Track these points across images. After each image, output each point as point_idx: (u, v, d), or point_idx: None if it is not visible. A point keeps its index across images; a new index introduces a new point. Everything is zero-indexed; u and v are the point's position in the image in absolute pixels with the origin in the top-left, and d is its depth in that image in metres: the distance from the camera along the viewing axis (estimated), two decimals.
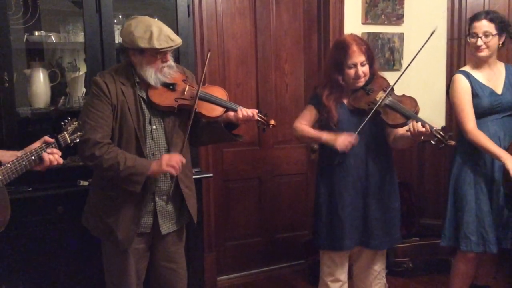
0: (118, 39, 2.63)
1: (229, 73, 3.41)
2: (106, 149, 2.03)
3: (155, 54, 2.07)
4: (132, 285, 2.23)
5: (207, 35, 3.22)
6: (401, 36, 3.68)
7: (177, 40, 2.09)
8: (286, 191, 3.68)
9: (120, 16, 2.74)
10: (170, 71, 2.15)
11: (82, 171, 2.48)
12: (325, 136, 2.42)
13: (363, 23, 3.57)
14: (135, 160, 2.06)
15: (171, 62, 2.15)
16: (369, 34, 3.56)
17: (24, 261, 2.37)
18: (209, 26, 3.24)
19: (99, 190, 2.20)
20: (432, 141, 2.28)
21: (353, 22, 3.53)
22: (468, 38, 2.61)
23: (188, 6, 2.69)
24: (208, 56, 2.23)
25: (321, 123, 2.52)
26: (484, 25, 2.53)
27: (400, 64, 3.69)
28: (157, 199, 2.19)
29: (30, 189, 2.35)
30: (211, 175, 3.03)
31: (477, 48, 2.57)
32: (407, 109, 2.36)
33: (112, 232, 2.14)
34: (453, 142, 2.28)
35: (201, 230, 2.84)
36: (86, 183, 2.48)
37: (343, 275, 2.59)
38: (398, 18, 3.66)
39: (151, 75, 2.10)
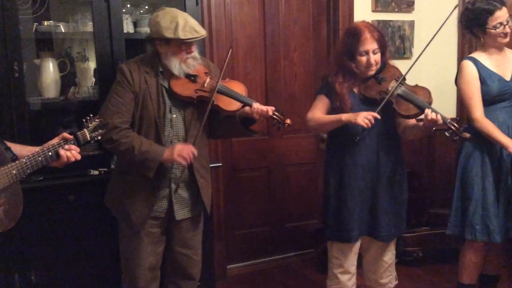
0: (126, 29, 2.63)
1: (238, 62, 3.40)
2: (123, 134, 2.12)
3: (180, 45, 2.14)
4: (145, 267, 2.29)
5: (216, 24, 3.20)
6: (411, 24, 3.64)
7: (202, 32, 2.15)
8: (295, 181, 3.68)
9: (128, 6, 2.73)
10: (194, 62, 2.21)
11: (92, 161, 2.49)
12: (345, 116, 2.35)
13: (373, 11, 3.53)
14: (150, 145, 2.13)
15: (195, 53, 2.21)
16: (379, 22, 3.52)
17: (36, 250, 2.40)
18: (217, 14, 3.22)
19: (118, 173, 2.30)
20: (446, 133, 2.26)
21: (363, 10, 3.49)
22: (487, 30, 2.54)
23: None
24: (229, 54, 2.29)
25: (333, 112, 2.49)
26: (506, 12, 2.52)
27: (411, 52, 3.65)
28: (172, 185, 2.25)
29: (42, 178, 2.37)
30: (220, 164, 3.04)
31: (505, 35, 2.54)
32: (420, 99, 2.32)
33: (127, 214, 2.23)
34: (468, 135, 2.27)
35: (211, 219, 2.85)
36: (96, 172, 2.51)
37: (352, 267, 2.57)
38: (409, 6, 3.62)
39: (176, 65, 2.17)
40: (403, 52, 3.63)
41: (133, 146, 2.10)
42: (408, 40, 3.64)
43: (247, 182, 3.54)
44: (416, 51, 3.63)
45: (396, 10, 3.58)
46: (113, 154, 2.48)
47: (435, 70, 3.62)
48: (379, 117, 2.29)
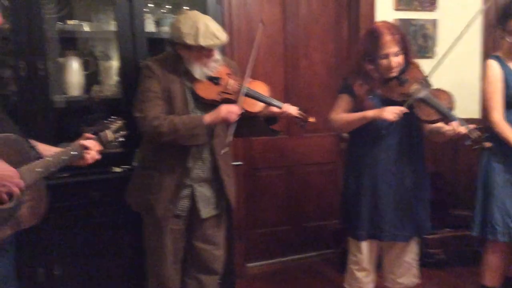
0: (149, 28, 2.66)
1: (257, 61, 3.38)
2: (162, 118, 2.15)
3: (201, 50, 2.14)
4: (168, 261, 2.33)
5: (236, 23, 3.21)
6: (434, 23, 3.59)
7: (222, 38, 2.15)
8: (315, 180, 3.67)
9: (150, 5, 2.75)
10: (215, 65, 2.22)
11: (115, 158, 2.52)
12: (370, 112, 2.34)
13: (395, 9, 3.49)
14: (189, 117, 2.17)
15: (216, 56, 2.22)
16: (401, 20, 3.48)
17: (60, 245, 2.44)
18: (237, 13, 3.23)
19: (142, 169, 2.33)
20: (466, 142, 2.23)
21: (385, 8, 3.46)
22: (505, 31, 2.50)
23: None
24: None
25: (356, 111, 2.47)
26: None
27: (433, 51, 3.60)
28: (194, 185, 2.28)
29: (66, 175, 2.40)
30: (241, 163, 3.05)
31: None
32: (442, 105, 2.29)
33: (151, 208, 2.26)
34: (489, 144, 2.23)
35: (230, 218, 2.86)
36: (118, 169, 2.54)
37: (369, 265, 2.57)
38: (432, 4, 3.57)
39: (197, 69, 2.20)
40: (426, 51, 3.58)
41: (174, 123, 2.12)
42: (430, 39, 3.59)
43: (267, 181, 3.54)
44: (439, 50, 3.58)
45: (418, 8, 3.54)
46: (135, 152, 2.51)
47: (457, 67, 3.55)
48: (407, 110, 2.26)
